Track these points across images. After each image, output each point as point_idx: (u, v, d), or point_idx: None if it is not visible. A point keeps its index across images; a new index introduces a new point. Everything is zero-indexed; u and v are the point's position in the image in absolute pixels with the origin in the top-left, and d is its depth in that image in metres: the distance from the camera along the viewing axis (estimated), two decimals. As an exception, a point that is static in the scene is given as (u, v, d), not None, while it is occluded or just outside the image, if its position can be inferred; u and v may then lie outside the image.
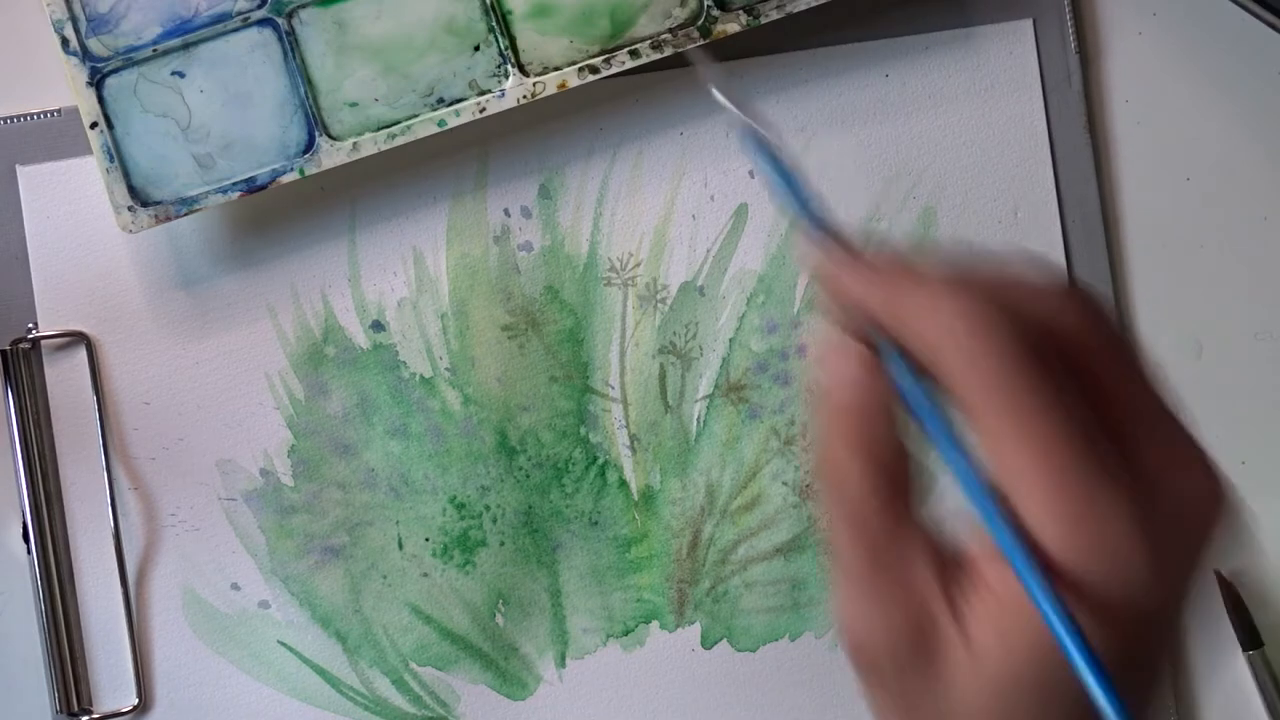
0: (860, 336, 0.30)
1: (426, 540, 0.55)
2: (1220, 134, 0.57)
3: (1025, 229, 0.56)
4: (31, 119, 0.55)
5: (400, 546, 0.55)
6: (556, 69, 0.52)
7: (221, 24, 0.52)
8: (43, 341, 0.55)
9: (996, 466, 0.28)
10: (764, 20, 0.53)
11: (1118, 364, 0.29)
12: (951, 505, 0.30)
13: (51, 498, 0.55)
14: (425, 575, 0.55)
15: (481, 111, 0.52)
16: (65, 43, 0.51)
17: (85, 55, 0.51)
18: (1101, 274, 0.56)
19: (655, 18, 0.53)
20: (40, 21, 0.52)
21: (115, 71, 0.52)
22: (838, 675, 0.56)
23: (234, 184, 0.52)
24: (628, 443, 0.56)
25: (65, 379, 0.55)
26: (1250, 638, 0.56)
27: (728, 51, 0.55)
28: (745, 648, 0.56)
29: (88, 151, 0.54)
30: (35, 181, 0.55)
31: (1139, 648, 0.28)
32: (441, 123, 0.52)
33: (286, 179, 0.52)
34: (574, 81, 0.52)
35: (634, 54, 0.52)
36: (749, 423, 0.56)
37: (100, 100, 0.52)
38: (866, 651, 0.30)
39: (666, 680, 0.56)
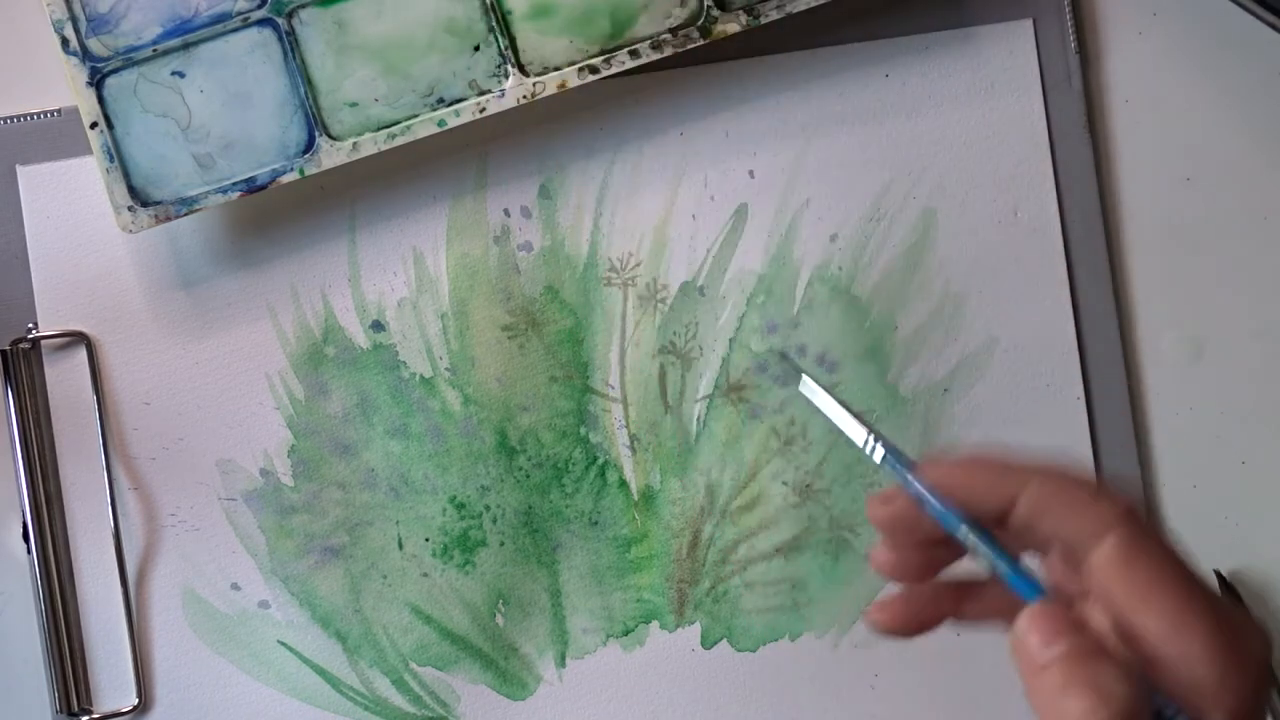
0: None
1: (426, 540, 0.55)
2: (1220, 134, 0.57)
3: (1025, 229, 0.56)
4: (31, 119, 0.55)
5: (400, 546, 0.55)
6: (556, 69, 0.52)
7: (221, 24, 0.52)
8: (43, 341, 0.55)
9: (1153, 631, 0.34)
10: (764, 20, 0.53)
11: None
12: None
13: (51, 498, 0.55)
14: (425, 575, 0.55)
15: (481, 111, 0.52)
16: (65, 43, 0.51)
17: (85, 55, 0.51)
18: (1101, 274, 0.56)
19: (655, 18, 0.53)
20: (40, 21, 0.52)
21: (115, 71, 0.52)
22: (837, 675, 0.56)
23: (234, 184, 0.52)
24: (628, 443, 0.56)
25: (65, 379, 0.55)
26: (1250, 638, 0.56)
27: (728, 52, 0.55)
28: (745, 648, 0.56)
29: (88, 151, 0.54)
30: (35, 181, 0.55)
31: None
32: (441, 123, 0.52)
33: (286, 179, 0.52)
34: (574, 81, 0.52)
35: (634, 54, 0.52)
36: (749, 423, 0.56)
37: (100, 100, 0.52)
38: None
39: (666, 680, 0.56)
